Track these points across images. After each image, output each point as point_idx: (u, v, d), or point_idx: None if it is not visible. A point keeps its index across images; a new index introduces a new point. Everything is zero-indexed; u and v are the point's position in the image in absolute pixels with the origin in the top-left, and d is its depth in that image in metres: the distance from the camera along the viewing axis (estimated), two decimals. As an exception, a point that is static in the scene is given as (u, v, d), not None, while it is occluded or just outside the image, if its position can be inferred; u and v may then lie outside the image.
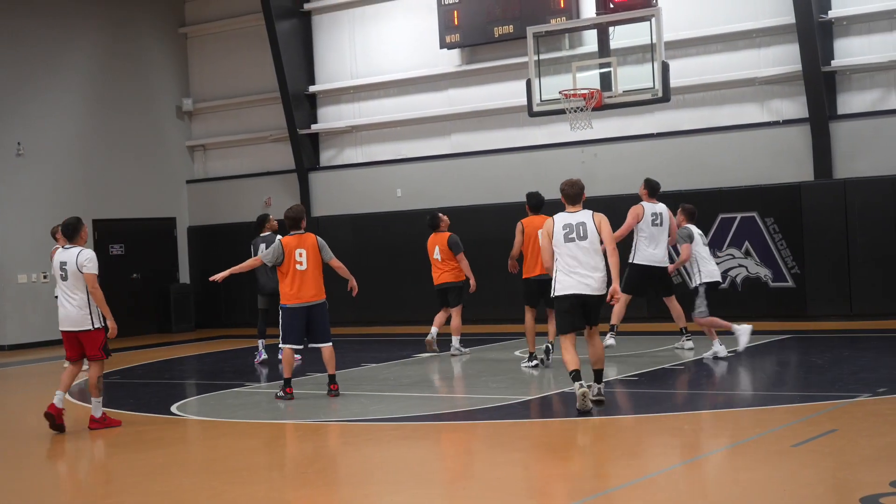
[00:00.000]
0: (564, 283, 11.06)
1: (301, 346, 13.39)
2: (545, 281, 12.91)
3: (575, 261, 11.11)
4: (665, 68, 17.39)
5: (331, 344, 13.32)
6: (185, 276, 26.01)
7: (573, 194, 11.63)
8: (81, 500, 8.85)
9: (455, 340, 16.82)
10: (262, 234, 17.60)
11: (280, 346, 13.28)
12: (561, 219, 11.39)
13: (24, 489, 9.39)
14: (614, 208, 20.26)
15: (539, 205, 15.22)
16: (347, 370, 16.10)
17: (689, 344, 15.50)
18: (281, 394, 13.08)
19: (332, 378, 13.19)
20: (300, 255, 13.23)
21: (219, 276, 13.22)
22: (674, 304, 15.54)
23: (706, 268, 14.91)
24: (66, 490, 9.26)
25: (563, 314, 11.13)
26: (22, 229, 22.92)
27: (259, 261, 13.52)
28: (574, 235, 11.24)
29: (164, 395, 14.58)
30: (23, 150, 22.96)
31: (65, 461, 10.58)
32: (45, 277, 23.13)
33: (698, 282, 14.81)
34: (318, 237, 13.69)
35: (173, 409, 13.12)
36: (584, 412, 10.72)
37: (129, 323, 24.43)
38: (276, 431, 11.45)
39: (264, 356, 17.30)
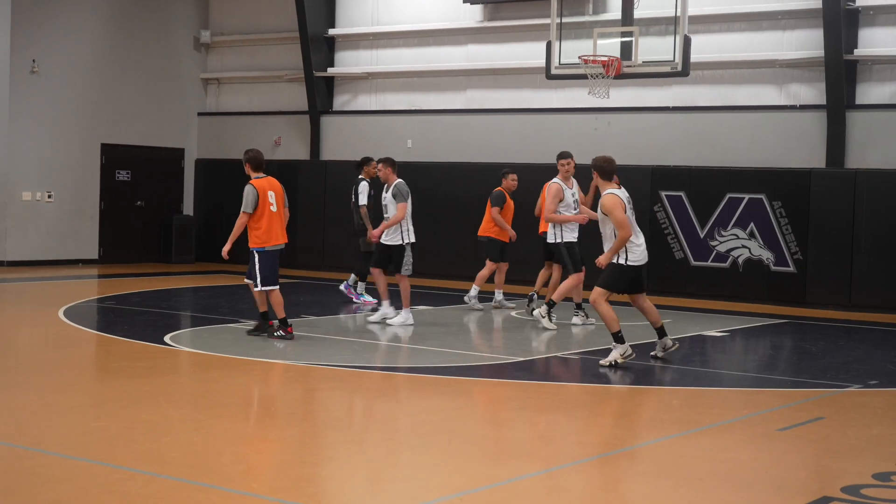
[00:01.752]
0: (641, 254, 12.24)
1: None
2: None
3: (637, 232, 12.35)
4: (687, 42, 17.29)
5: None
6: (188, 207, 26.00)
7: (613, 170, 12.81)
8: (68, 422, 8.89)
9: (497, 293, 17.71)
10: (360, 177, 17.60)
11: (262, 288, 13.27)
12: (622, 193, 12.45)
13: (10, 409, 9.43)
14: (621, 177, 20.27)
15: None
16: (343, 315, 16.15)
17: (577, 321, 15.62)
18: (281, 333, 13.13)
19: (284, 321, 13.28)
20: (271, 196, 13.47)
21: (225, 250, 13.52)
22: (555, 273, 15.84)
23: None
24: (54, 412, 9.30)
25: (624, 280, 12.24)
26: (30, 147, 22.89)
27: (246, 218, 13.46)
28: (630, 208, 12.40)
29: (158, 324, 14.62)
30: (37, 68, 22.88)
31: (54, 384, 10.62)
32: (49, 197, 23.16)
33: (407, 241, 14.82)
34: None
35: (166, 339, 13.15)
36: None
37: (130, 250, 24.58)
38: (268, 370, 11.49)
39: (367, 298, 17.52)
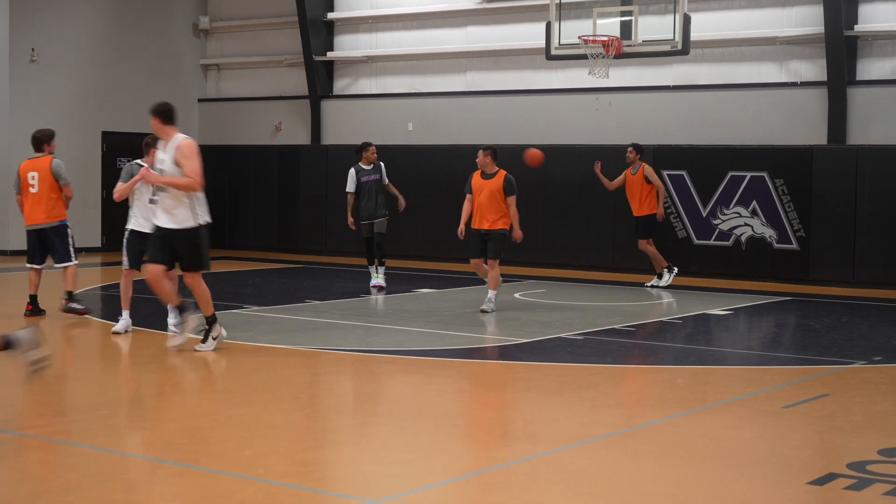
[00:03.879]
0: None
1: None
2: None
3: None
4: (686, 21, 17.27)
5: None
6: (190, 194, 25.96)
7: None
8: (73, 409, 8.91)
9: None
10: (360, 164, 17.63)
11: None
12: None
13: (15, 397, 9.45)
14: (620, 157, 20.29)
15: None
16: (349, 300, 16.16)
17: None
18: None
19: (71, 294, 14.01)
20: (32, 178, 14.13)
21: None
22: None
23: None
24: (59, 400, 9.32)
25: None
26: (30, 136, 22.83)
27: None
28: None
29: (161, 311, 14.60)
30: (36, 57, 22.87)
31: (58, 373, 10.63)
32: (50, 186, 23.10)
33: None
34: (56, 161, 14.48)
35: (171, 326, 13.13)
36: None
37: (132, 237, 24.55)
38: (273, 355, 11.49)
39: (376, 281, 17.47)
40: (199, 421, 8.47)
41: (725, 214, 19.47)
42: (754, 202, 19.25)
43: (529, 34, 21.48)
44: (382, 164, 17.65)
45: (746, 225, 19.34)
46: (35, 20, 22.84)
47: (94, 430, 8.12)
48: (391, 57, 23.69)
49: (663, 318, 14.40)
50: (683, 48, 17.52)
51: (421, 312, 14.67)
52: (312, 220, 24.08)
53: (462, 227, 14.79)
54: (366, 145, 17.66)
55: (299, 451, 7.68)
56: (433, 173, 22.30)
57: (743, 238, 19.38)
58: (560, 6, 18.38)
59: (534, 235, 21.18)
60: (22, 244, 22.65)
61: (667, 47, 17.77)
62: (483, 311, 14.32)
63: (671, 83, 20.52)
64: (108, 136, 24.22)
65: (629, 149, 18.01)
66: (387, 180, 17.64)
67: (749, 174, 19.29)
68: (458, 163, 22.00)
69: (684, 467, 7.27)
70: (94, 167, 23.94)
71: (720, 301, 16.33)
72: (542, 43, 18.95)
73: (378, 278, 17.42)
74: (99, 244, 23.95)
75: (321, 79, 24.22)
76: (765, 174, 19.14)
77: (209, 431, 8.11)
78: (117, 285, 17.56)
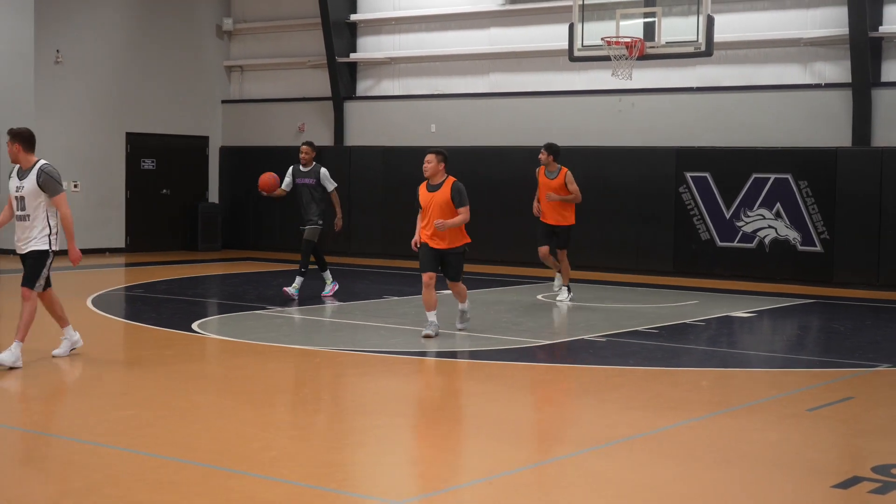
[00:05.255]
0: None
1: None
2: None
3: None
4: (710, 22, 17.21)
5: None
6: (214, 195, 26.08)
7: None
8: (98, 410, 8.95)
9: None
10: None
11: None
12: None
13: (42, 398, 9.50)
14: (645, 159, 20.23)
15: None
16: (370, 301, 16.18)
17: None
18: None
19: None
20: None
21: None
22: None
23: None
24: (84, 400, 9.36)
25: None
26: (56, 137, 22.97)
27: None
28: None
29: (185, 312, 14.68)
30: (61, 58, 22.97)
31: (83, 373, 10.68)
32: (75, 186, 23.25)
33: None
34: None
35: (194, 326, 13.21)
36: None
37: (156, 238, 24.67)
38: (296, 356, 11.52)
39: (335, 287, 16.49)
40: (223, 422, 8.49)
41: (749, 216, 19.41)
42: (778, 204, 19.17)
43: (552, 36, 21.45)
44: (324, 170, 16.32)
45: (770, 227, 19.26)
46: (60, 22, 22.94)
47: (118, 430, 8.15)
48: (414, 58, 23.70)
49: (686, 321, 14.36)
50: (707, 49, 17.46)
51: (444, 314, 14.67)
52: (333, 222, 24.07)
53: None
54: (305, 144, 16.44)
55: (323, 452, 7.70)
56: (456, 175, 22.19)
57: (766, 240, 19.30)
58: (583, 7, 18.35)
59: (556, 237, 21.18)
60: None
61: (690, 49, 17.71)
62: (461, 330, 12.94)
63: (695, 85, 20.46)
64: (132, 137, 24.30)
65: (542, 150, 16.15)
66: (330, 187, 16.23)
67: (773, 176, 19.22)
68: (481, 164, 22.00)
69: (708, 469, 7.25)
70: (119, 168, 24.02)
71: (744, 303, 16.28)
72: (565, 44, 18.92)
73: (292, 286, 15.96)
74: (123, 244, 24.04)
75: (344, 80, 24.25)
76: (789, 176, 19.06)
77: (233, 432, 8.12)
78: (141, 285, 17.69)
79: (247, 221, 25.62)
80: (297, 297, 15.76)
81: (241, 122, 25.90)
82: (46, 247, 10.53)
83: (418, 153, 22.07)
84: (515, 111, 22.18)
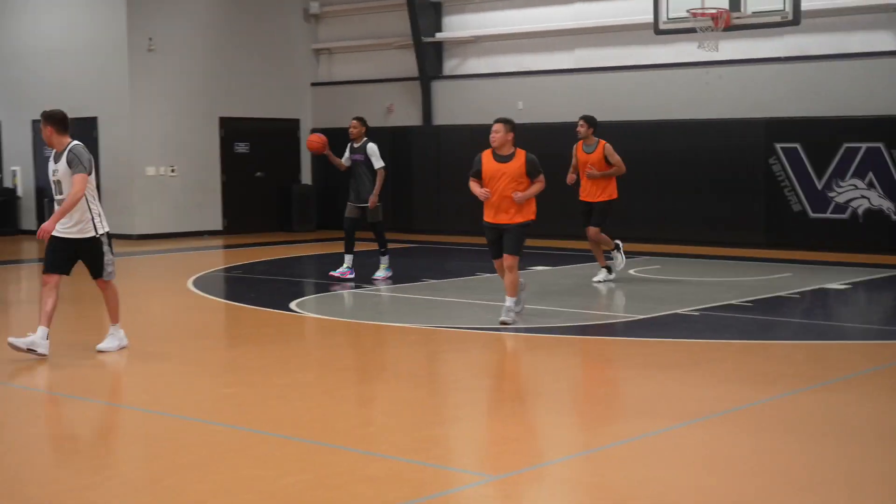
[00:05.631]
0: None
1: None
2: None
3: None
4: (797, -9, 16.95)
5: None
6: (307, 176, 26.32)
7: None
8: (202, 388, 9.11)
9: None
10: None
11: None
12: None
13: (147, 377, 9.69)
14: (733, 131, 20.00)
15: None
16: (464, 278, 16.21)
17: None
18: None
19: None
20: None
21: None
22: None
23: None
24: (188, 379, 9.53)
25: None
26: (151, 123, 23.37)
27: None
28: None
29: (283, 292, 14.85)
30: (154, 46, 23.30)
31: (186, 353, 10.88)
32: (172, 171, 23.61)
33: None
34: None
35: (292, 305, 13.37)
36: None
37: (252, 220, 24.97)
38: (391, 333, 11.61)
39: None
40: (323, 398, 8.60)
41: (841, 187, 19.10)
42: (870, 174, 18.84)
43: (637, 9, 21.24)
44: (373, 145, 15.72)
45: (863, 197, 18.94)
46: (151, 10, 23.26)
47: (222, 408, 8.31)
48: (499, 36, 23.64)
49: (780, 293, 14.20)
50: (794, 18, 17.18)
51: (536, 290, 14.67)
52: (426, 200, 24.21)
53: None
54: (355, 118, 16.05)
55: (420, 427, 7.77)
56: (543, 151, 22.12)
57: (860, 210, 18.99)
58: (668, -20, 18.16)
59: (647, 211, 21.06)
60: (148, 229, 23.25)
61: (777, 18, 17.44)
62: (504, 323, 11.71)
63: (782, 55, 20.14)
64: (225, 122, 24.60)
65: (580, 122, 15.30)
66: (377, 164, 15.65)
67: (864, 145, 18.87)
68: (568, 139, 21.88)
69: (803, 443, 7.19)
70: (213, 152, 24.34)
71: (838, 275, 16.04)
72: (650, 18, 18.72)
73: (381, 269, 15.88)
74: (220, 227, 24.37)
75: (431, 60, 24.29)
76: (881, 145, 18.71)
77: (333, 408, 8.23)
78: (240, 266, 17.92)
79: (340, 201, 25.73)
80: (390, 275, 15.80)
81: (330, 104, 26.06)
82: (93, 233, 10.12)
83: (506, 131, 22.18)
84: (601, 86, 22.04)
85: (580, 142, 15.29)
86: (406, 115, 24.84)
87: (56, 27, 24.34)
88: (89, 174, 10.09)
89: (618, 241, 15.60)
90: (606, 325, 11.99)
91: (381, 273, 15.85)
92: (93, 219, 10.13)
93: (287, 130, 25.86)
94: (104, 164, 23.63)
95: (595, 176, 14.95)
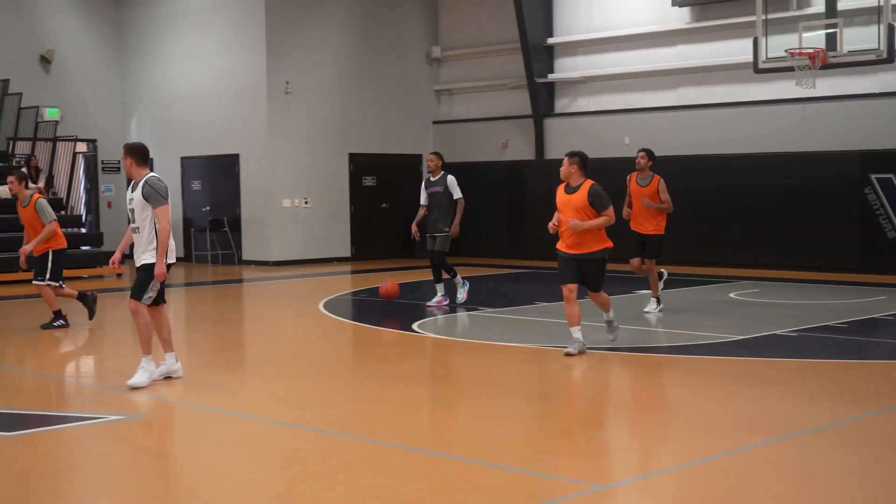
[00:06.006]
0: None
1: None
2: None
3: None
4: (891, 30, 16.59)
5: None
6: (427, 207, 26.44)
7: None
8: (330, 402, 9.17)
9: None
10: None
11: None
12: None
13: (280, 391, 9.78)
14: (830, 165, 19.59)
15: None
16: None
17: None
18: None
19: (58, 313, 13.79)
20: None
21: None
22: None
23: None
24: (318, 393, 9.61)
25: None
26: (287, 159, 23.73)
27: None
28: None
29: (406, 314, 14.91)
30: (290, 89, 23.68)
31: (317, 369, 10.97)
32: (306, 203, 23.92)
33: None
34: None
35: (414, 326, 13.41)
36: None
37: (378, 248, 25.16)
38: (506, 352, 11.56)
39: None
40: (442, 412, 8.59)
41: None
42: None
43: (737, 49, 20.99)
44: (451, 177, 15.32)
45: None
46: (289, 56, 23.65)
47: (349, 420, 8.34)
48: (607, 76, 23.53)
49: (875, 315, 13.82)
50: (888, 56, 16.81)
51: (640, 312, 14.51)
52: (539, 229, 24.12)
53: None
54: (432, 153, 15.72)
55: (533, 440, 7.71)
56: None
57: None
58: (767, 22, 17.93)
59: (747, 237, 20.73)
60: (283, 255, 23.58)
61: (872, 56, 17.11)
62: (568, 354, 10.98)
63: (876, 90, 19.68)
64: (354, 157, 24.87)
65: (640, 153, 14.44)
66: (457, 195, 15.30)
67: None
68: (670, 172, 21.68)
69: (901, 458, 6.97)
70: (343, 185, 24.62)
71: (931, 298, 15.55)
72: (749, 57, 18.51)
73: (459, 295, 15.52)
74: (349, 254, 24.61)
75: (543, 99, 24.27)
76: (973, 175, 18.17)
77: (452, 421, 8.22)
78: (366, 290, 18.05)
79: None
80: (465, 299, 15.42)
81: (450, 141, 26.18)
82: (153, 260, 9.69)
83: (613, 165, 22.04)
84: (703, 122, 21.78)
85: (634, 174, 14.42)
86: (520, 150, 24.84)
87: (203, 73, 24.89)
88: (167, 203, 9.76)
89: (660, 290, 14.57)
90: (708, 345, 11.78)
91: (461, 295, 15.52)
92: (157, 248, 9.68)
93: (410, 165, 26.03)
94: (245, 197, 24.07)
95: (650, 205, 14.08)
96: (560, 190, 11.44)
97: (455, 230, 15.34)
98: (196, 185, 25.43)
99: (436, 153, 15.67)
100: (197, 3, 25.09)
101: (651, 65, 22.77)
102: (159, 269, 9.61)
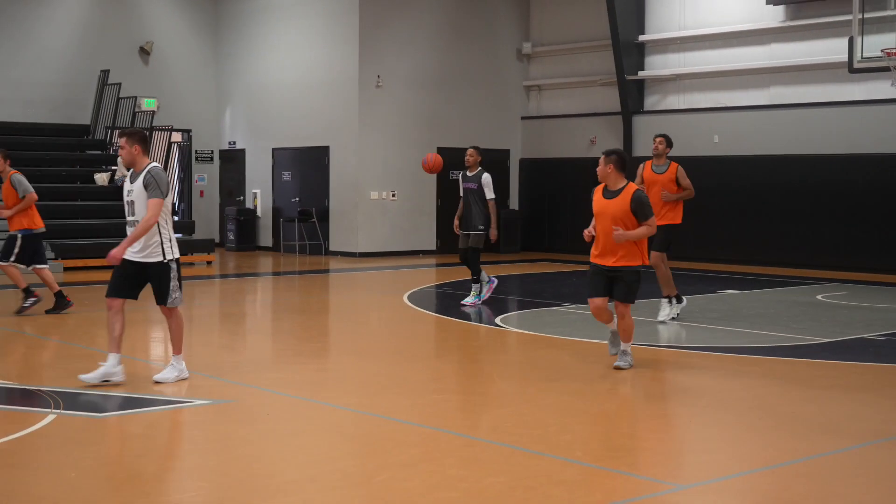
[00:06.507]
0: None
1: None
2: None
3: None
4: None
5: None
6: (514, 202, 26.42)
7: None
8: (414, 394, 9.21)
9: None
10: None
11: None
12: None
13: (364, 382, 9.85)
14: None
15: None
16: (656, 300, 15.96)
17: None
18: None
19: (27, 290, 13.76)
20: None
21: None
22: None
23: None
24: (401, 385, 9.66)
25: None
26: (376, 152, 23.88)
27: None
28: None
29: (490, 308, 14.90)
30: (381, 83, 23.81)
31: (401, 361, 11.01)
32: (393, 196, 24.04)
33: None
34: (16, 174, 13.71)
35: (497, 321, 13.41)
36: None
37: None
38: (588, 349, 11.50)
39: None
40: (524, 407, 8.58)
41: None
42: None
43: (831, 49, 20.62)
44: (487, 176, 14.90)
45: None
46: (380, 50, 23.78)
47: (432, 412, 8.37)
48: (698, 74, 23.28)
49: (966, 321, 13.49)
50: None
51: (726, 312, 14.34)
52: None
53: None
54: (471, 147, 15.18)
55: (613, 437, 7.67)
56: (738, 182, 21.79)
57: None
58: (863, 21, 17.57)
59: (836, 239, 20.36)
60: (370, 247, 23.74)
61: (971, 57, 16.69)
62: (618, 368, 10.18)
63: (975, 92, 19.21)
64: (442, 151, 24.90)
65: (657, 138, 13.30)
66: (489, 195, 14.90)
67: None
68: (761, 172, 21.43)
69: None
70: (430, 179, 24.68)
71: None
72: (844, 57, 18.17)
73: (470, 296, 15.08)
74: (434, 247, 24.70)
75: (632, 96, 24.09)
76: None
77: (532, 416, 8.20)
78: (450, 284, 18.09)
79: (543, 226, 25.84)
80: (479, 304, 14.90)
81: (538, 137, 26.13)
82: (160, 257, 9.09)
83: (702, 162, 21.83)
84: (795, 121, 21.44)
85: (648, 162, 13.35)
86: (608, 146, 24.62)
87: (296, 65, 25.14)
88: (165, 197, 9.06)
89: (674, 297, 13.39)
90: (793, 347, 11.60)
91: (469, 299, 15.02)
92: (162, 243, 9.09)
93: (498, 160, 26.00)
94: (333, 189, 24.28)
95: (670, 198, 12.99)
96: (597, 194, 10.10)
97: (493, 233, 14.99)
98: (286, 176, 25.70)
99: (475, 147, 15.15)
100: (291, -3, 25.38)
101: (743, 63, 22.47)
102: (115, 252, 8.91)
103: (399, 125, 24.18)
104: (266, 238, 26.22)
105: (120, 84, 24.57)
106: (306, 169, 25.10)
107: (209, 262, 21.93)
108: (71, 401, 8.53)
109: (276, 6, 25.76)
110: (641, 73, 24.00)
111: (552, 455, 7.02)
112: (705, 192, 22.14)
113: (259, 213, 26.42)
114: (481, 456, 7.04)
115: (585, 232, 10.01)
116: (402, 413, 8.30)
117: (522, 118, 26.50)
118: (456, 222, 15.20)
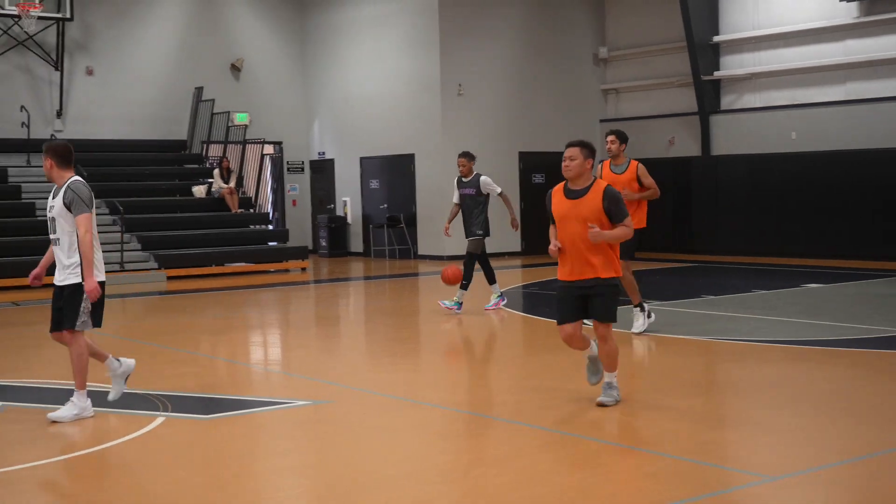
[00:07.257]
0: None
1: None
2: None
3: None
4: None
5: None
6: (594, 203, 26.27)
7: None
8: (505, 391, 9.20)
9: None
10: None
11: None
12: None
13: (467, 380, 9.88)
14: None
15: None
16: (740, 295, 15.76)
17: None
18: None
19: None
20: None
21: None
22: None
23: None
24: (490, 382, 9.66)
25: None
26: (460, 158, 23.89)
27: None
28: None
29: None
30: (462, 91, 23.86)
31: (489, 359, 11.02)
32: (477, 200, 24.04)
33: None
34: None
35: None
36: None
37: (548, 243, 25.09)
38: (672, 344, 11.39)
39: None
40: (621, 405, 8.46)
41: None
42: None
43: (908, 43, 20.20)
44: (485, 177, 14.59)
45: None
46: (461, 59, 23.83)
47: (521, 409, 8.34)
48: (773, 73, 22.92)
49: None
50: None
51: (809, 305, 14.10)
52: (704, 223, 23.72)
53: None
54: (461, 156, 14.62)
55: (702, 430, 7.59)
56: (816, 178, 21.42)
57: None
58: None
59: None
60: (457, 250, 23.79)
61: None
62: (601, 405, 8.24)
63: None
64: (524, 156, 24.90)
65: (609, 137, 11.87)
66: (497, 190, 14.60)
67: None
68: (839, 167, 21.04)
69: None
70: (514, 183, 24.65)
71: None
72: (921, 50, 17.78)
73: (452, 300, 14.45)
74: (519, 249, 24.67)
75: (709, 96, 23.81)
76: None
77: (620, 412, 8.14)
78: (536, 284, 18.04)
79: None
80: (456, 310, 14.30)
81: (617, 138, 25.93)
82: (77, 279, 7.97)
83: (780, 159, 21.55)
84: (872, 116, 21.00)
85: (606, 161, 11.95)
86: (686, 146, 24.44)
87: (381, 77, 25.29)
88: (91, 210, 7.98)
89: (644, 303, 12.04)
90: (878, 339, 11.37)
91: (448, 303, 14.47)
92: (81, 264, 7.94)
93: (578, 162, 25.85)
94: (420, 195, 24.37)
95: (632, 197, 11.49)
96: (556, 196, 8.38)
97: (515, 221, 14.80)
98: (374, 184, 25.87)
99: (465, 155, 14.57)
100: (375, 11, 25.51)
101: (818, 60, 22.08)
102: (89, 286, 7.88)
103: (481, 131, 24.19)
104: (357, 244, 26.41)
105: (213, 100, 24.96)
106: (393, 176, 25.24)
107: (303, 269, 22.15)
108: (178, 404, 8.69)
109: (359, 20, 25.95)
110: (717, 74, 23.71)
111: (642, 449, 6.98)
112: (783, 187, 21.84)
113: (349, 219, 26.61)
114: (571, 451, 7.01)
115: (550, 248, 8.26)
116: (493, 410, 8.31)
117: (601, 121, 26.34)
118: (446, 225, 15.15)
